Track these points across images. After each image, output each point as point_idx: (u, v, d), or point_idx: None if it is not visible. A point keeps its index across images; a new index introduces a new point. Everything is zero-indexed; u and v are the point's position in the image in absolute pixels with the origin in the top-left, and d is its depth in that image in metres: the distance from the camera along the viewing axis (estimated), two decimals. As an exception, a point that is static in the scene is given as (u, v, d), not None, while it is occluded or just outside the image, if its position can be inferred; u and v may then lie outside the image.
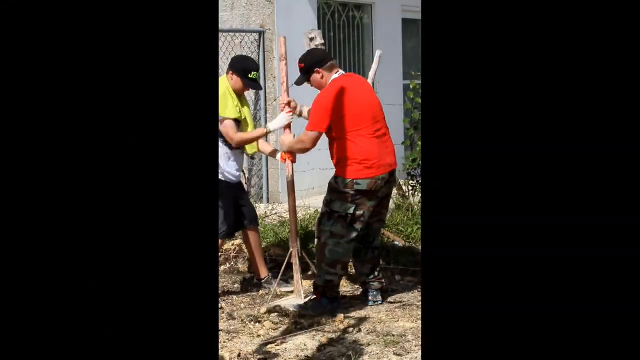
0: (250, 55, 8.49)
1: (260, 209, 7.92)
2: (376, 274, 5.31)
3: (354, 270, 5.51)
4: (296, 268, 5.40)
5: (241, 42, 8.46)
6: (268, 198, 8.64)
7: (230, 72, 5.37)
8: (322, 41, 6.32)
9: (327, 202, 5.05)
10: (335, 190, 4.99)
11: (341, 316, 4.92)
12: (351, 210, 4.96)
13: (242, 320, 4.95)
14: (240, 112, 5.36)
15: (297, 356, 4.20)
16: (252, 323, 4.88)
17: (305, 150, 5.09)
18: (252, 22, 8.77)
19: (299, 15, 8.90)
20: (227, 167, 5.41)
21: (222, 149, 5.34)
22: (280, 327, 4.78)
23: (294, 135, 5.19)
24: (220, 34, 8.36)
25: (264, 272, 5.74)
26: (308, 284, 5.55)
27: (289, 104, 5.23)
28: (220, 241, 5.36)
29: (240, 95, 5.42)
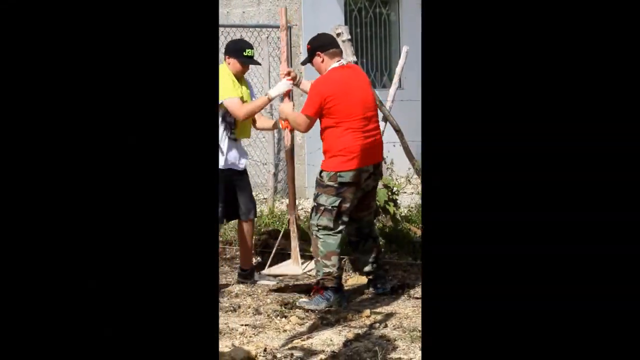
0: (276, 51, 8.52)
1: (286, 204, 7.92)
2: (379, 261, 5.44)
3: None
4: (294, 235, 5.58)
5: (267, 37, 8.46)
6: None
7: (227, 57, 5.49)
8: (349, 37, 6.33)
9: (315, 197, 5.18)
10: (321, 185, 5.12)
11: (367, 311, 4.92)
12: (336, 204, 5.07)
13: (268, 315, 4.96)
14: (241, 93, 5.48)
15: (323, 351, 4.20)
16: (278, 318, 4.89)
17: (300, 131, 5.35)
18: (278, 18, 8.77)
19: (326, 11, 8.90)
20: (229, 154, 5.49)
21: (224, 134, 5.44)
22: (307, 322, 4.79)
23: (293, 104, 5.35)
24: (246, 30, 8.37)
25: (247, 264, 5.84)
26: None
27: (288, 73, 5.39)
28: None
29: (239, 78, 5.52)
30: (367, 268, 5.43)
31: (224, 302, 5.29)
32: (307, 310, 5.02)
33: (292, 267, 5.62)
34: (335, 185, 5.04)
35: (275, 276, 5.80)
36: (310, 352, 4.20)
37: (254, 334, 4.57)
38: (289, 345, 4.32)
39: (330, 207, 5.07)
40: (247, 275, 5.82)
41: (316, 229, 5.13)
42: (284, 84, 5.37)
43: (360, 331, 4.55)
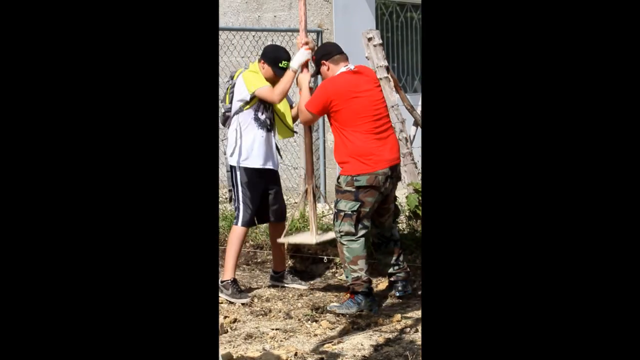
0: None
1: (317, 208, 7.92)
2: (400, 263, 5.43)
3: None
4: (311, 205, 5.61)
5: (299, 42, 8.48)
6: (325, 197, 8.65)
7: (262, 61, 5.48)
8: (380, 41, 6.33)
9: (335, 204, 5.22)
10: (339, 191, 5.15)
11: (398, 316, 4.91)
12: (355, 208, 5.09)
13: (299, 319, 4.97)
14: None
15: (354, 356, 4.20)
16: (309, 322, 4.90)
17: (300, 119, 5.37)
18: (309, 22, 8.78)
19: (357, 15, 8.90)
20: (274, 154, 5.53)
21: (253, 133, 5.46)
22: (337, 327, 4.79)
23: (311, 76, 5.35)
24: (277, 34, 8.40)
25: (281, 266, 5.88)
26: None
27: (306, 43, 5.39)
28: (244, 229, 5.48)
29: (271, 83, 5.48)
30: (389, 270, 5.46)
31: (255, 306, 5.31)
32: (338, 315, 5.03)
33: (308, 237, 5.72)
34: (353, 189, 5.07)
35: (292, 244, 5.91)
36: (341, 357, 4.20)
37: (284, 338, 4.58)
38: (320, 350, 4.33)
39: (350, 212, 5.10)
40: (280, 277, 5.84)
41: (339, 235, 5.16)
42: (303, 54, 5.34)
43: (391, 336, 4.55)
